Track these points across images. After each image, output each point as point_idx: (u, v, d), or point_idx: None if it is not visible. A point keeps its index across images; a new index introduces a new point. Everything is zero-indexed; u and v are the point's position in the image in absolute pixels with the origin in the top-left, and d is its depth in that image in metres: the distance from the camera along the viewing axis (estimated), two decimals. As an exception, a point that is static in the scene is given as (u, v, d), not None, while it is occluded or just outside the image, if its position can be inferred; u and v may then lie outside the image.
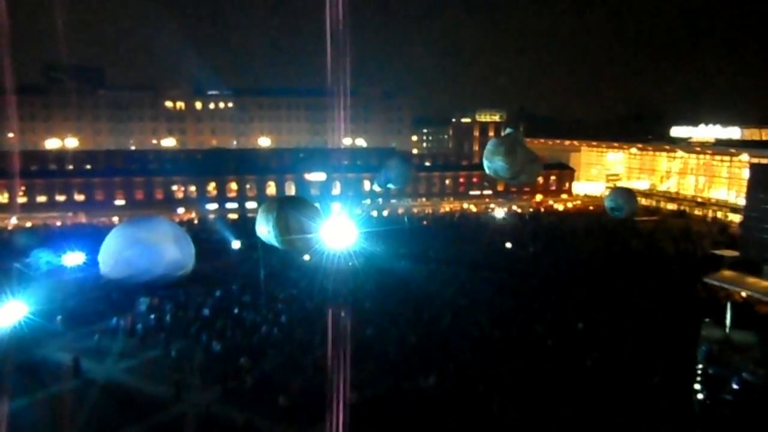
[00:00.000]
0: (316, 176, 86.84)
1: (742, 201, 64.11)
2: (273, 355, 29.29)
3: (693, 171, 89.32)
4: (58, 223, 74.26)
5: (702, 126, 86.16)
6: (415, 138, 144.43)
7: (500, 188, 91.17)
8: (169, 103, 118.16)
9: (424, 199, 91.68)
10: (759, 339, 27.58)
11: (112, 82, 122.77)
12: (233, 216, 79.52)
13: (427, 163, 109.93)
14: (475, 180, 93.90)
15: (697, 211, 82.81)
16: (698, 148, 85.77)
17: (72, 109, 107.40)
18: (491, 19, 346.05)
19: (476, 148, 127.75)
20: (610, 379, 25.45)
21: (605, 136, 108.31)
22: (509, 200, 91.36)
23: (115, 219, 72.78)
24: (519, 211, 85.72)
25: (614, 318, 33.16)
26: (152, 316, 34.79)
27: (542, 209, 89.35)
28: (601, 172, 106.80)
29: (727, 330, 28.47)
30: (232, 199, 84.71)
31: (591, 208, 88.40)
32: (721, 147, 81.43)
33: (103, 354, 29.72)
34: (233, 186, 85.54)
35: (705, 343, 26.80)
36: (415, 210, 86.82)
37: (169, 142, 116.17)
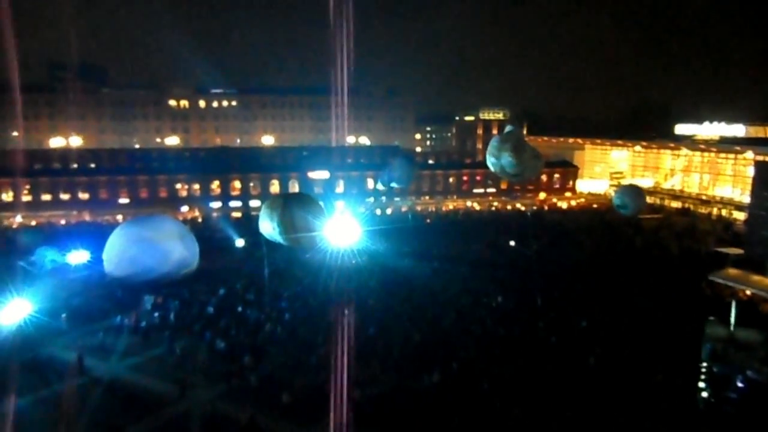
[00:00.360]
0: (320, 174, 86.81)
1: (746, 198, 63.87)
2: (277, 353, 29.32)
3: (697, 168, 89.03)
4: (63, 222, 74.56)
5: (706, 123, 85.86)
6: (418, 136, 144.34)
7: (504, 186, 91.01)
8: (172, 102, 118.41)
9: (427, 198, 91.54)
10: (763, 337, 27.51)
11: (116, 80, 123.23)
12: (237, 214, 79.69)
13: (431, 162, 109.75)
14: (478, 178, 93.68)
15: (702, 209, 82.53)
16: (703, 146, 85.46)
17: (76, 108, 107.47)
18: (495, 16, 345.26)
19: (479, 146, 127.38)
20: (613, 377, 25.43)
21: (609, 133, 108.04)
22: (513, 198, 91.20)
23: (119, 217, 73.00)
24: (522, 208, 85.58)
25: (617, 316, 33.11)
26: (156, 314, 34.94)
27: (546, 207, 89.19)
28: (605, 170, 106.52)
29: (732, 328, 28.39)
30: (235, 198, 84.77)
31: (595, 206, 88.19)
32: (726, 144, 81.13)
33: (107, 351, 29.86)
34: (237, 184, 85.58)
35: (709, 342, 26.73)
36: (418, 208, 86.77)
37: (172, 141, 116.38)
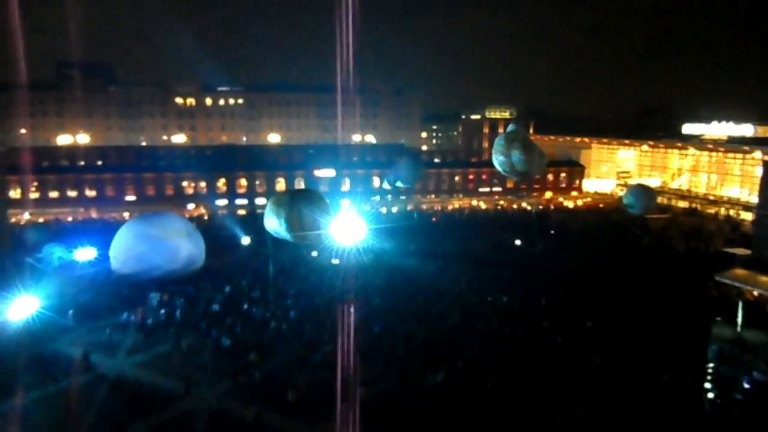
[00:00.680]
0: (326, 173, 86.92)
1: (754, 199, 63.50)
2: (282, 350, 29.40)
3: (705, 168, 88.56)
4: (70, 219, 74.99)
5: (714, 123, 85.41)
6: (424, 134, 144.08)
7: (510, 185, 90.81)
8: (179, 100, 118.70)
9: (433, 196, 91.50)
10: (771, 338, 27.30)
11: (123, 78, 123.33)
12: (243, 212, 79.88)
13: (437, 160, 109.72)
14: (484, 177, 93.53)
15: (709, 209, 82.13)
16: (710, 146, 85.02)
17: (83, 106, 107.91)
18: (501, 15, 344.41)
19: (486, 144, 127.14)
20: (618, 377, 25.34)
21: (616, 133, 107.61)
22: (519, 197, 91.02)
23: (126, 214, 73.29)
24: (528, 207, 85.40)
25: (623, 316, 32.97)
26: (162, 312, 35.04)
27: (552, 206, 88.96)
28: (612, 169, 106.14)
29: (739, 329, 28.18)
30: (241, 195, 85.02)
31: (601, 205, 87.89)
32: (734, 144, 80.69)
33: (113, 348, 30.02)
34: (243, 182, 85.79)
35: (716, 342, 26.52)
36: (424, 207, 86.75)
37: (179, 139, 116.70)
